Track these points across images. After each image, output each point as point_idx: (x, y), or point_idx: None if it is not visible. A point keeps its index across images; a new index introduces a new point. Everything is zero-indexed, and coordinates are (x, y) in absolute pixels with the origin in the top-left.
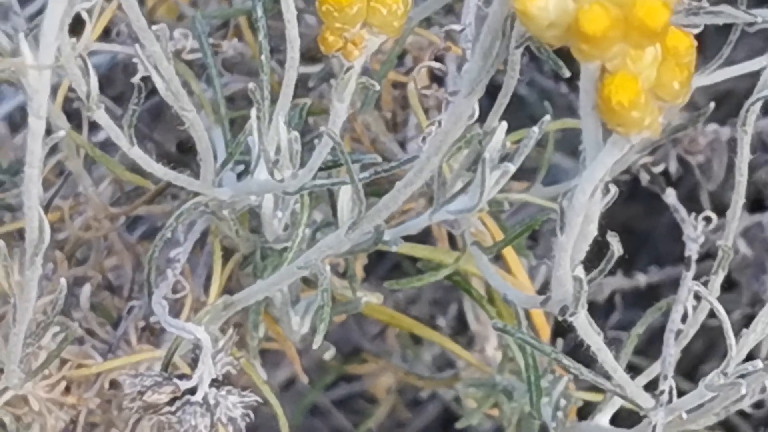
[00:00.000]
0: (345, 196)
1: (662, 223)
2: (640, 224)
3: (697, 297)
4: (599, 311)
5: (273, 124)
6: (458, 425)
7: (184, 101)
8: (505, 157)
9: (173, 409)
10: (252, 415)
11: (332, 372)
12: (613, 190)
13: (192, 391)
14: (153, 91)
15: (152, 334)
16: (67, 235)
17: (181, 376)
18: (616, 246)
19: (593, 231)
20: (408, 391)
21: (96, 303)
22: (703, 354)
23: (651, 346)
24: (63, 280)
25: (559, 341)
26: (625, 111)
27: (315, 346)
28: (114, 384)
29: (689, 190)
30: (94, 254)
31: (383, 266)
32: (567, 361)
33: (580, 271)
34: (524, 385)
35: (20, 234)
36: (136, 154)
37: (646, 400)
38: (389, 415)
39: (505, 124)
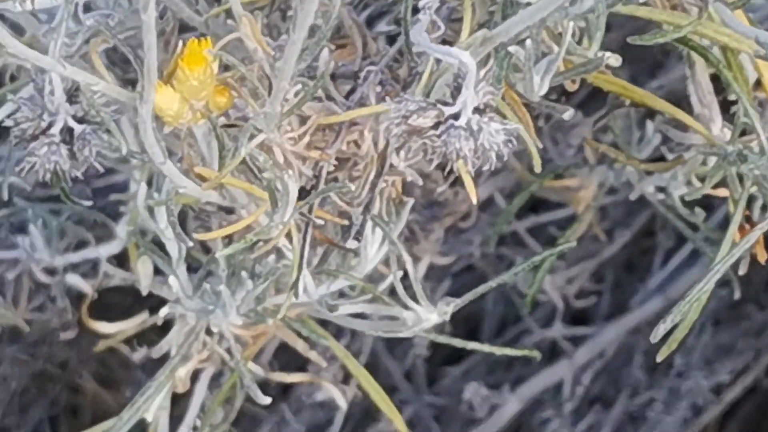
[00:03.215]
0: None
1: None
2: None
3: None
4: None
5: None
6: (687, 197)
7: None
8: None
9: (438, 132)
10: (515, 142)
11: (531, 187)
12: None
13: (455, 116)
14: None
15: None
16: None
17: (444, 103)
18: None
19: None
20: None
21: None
22: None
23: None
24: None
25: None
26: None
27: None
28: (350, 145)
29: None
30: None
31: None
32: None
33: None
34: (757, 155)
35: None
36: None
37: None
38: (584, 238)
39: None
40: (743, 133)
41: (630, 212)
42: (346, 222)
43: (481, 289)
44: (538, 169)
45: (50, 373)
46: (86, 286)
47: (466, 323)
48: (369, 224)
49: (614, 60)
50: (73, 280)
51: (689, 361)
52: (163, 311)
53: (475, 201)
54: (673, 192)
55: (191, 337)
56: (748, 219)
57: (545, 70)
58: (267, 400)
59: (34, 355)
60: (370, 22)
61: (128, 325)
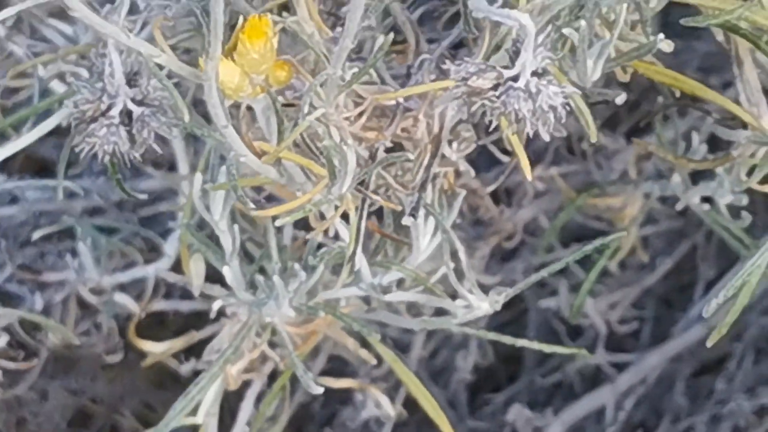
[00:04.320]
0: None
1: None
2: None
3: None
4: None
5: None
6: (736, 190)
7: None
8: None
9: (497, 93)
10: (572, 105)
11: (576, 201)
12: None
13: (514, 79)
14: None
15: None
16: None
17: (504, 66)
18: None
19: None
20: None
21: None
22: None
23: None
24: None
25: None
26: None
27: None
28: (406, 130)
29: None
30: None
31: None
32: None
33: None
34: None
35: None
36: None
37: None
38: (627, 266)
39: None
40: None
41: (671, 243)
42: (399, 208)
43: (531, 280)
44: (593, 138)
45: (91, 410)
46: (134, 305)
47: (508, 351)
48: (421, 216)
49: (666, 45)
50: (122, 299)
51: (731, 388)
52: (217, 304)
53: (530, 178)
54: (719, 200)
55: (243, 331)
56: None
57: (598, 53)
58: (319, 390)
59: (76, 391)
60: (422, 21)
61: (175, 344)
